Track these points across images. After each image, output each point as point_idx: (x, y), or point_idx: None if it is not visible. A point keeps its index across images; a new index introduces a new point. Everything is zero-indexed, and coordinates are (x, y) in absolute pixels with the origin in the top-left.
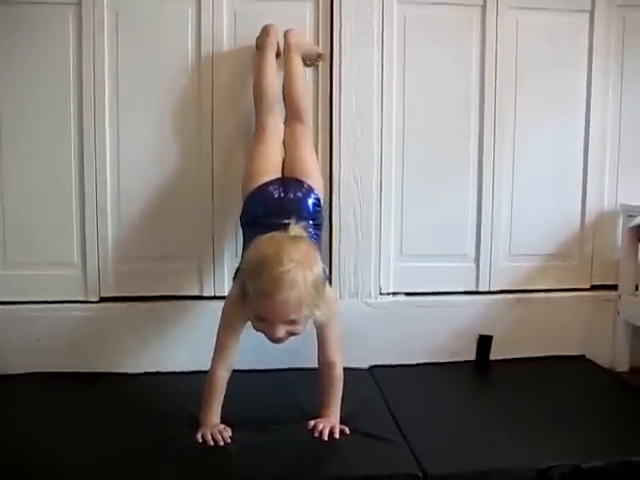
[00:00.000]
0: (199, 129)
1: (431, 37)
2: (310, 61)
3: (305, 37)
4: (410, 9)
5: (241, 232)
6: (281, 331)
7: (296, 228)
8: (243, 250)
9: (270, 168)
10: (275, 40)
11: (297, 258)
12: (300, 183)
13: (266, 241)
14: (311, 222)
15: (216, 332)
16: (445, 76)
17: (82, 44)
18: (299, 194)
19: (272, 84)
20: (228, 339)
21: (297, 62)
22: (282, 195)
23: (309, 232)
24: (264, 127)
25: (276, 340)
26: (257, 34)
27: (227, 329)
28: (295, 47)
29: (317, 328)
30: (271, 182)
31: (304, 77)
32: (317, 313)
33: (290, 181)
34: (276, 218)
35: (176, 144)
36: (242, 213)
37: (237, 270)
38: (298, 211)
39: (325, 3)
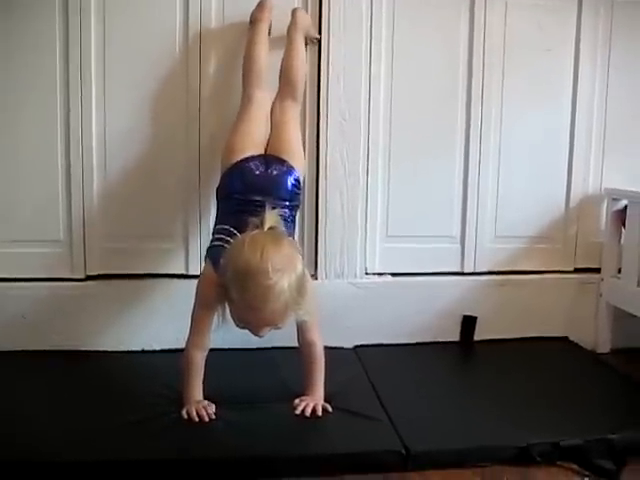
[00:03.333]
0: (186, 108)
1: (420, 21)
2: (305, 42)
3: (310, 19)
4: None
5: None
6: (265, 331)
7: (271, 216)
8: (216, 224)
9: (252, 144)
10: (269, 15)
11: (281, 266)
12: (282, 162)
13: (248, 246)
14: (287, 203)
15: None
16: (433, 60)
17: (69, 23)
18: (279, 172)
19: (262, 57)
20: (203, 319)
21: (300, 41)
22: (262, 171)
23: (284, 213)
24: (251, 99)
25: (260, 336)
26: (246, 12)
27: (202, 309)
28: (301, 26)
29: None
30: (252, 158)
31: (305, 56)
32: (300, 312)
33: (272, 159)
34: (253, 194)
35: (163, 123)
36: (219, 187)
37: (209, 248)
38: (276, 189)
39: None
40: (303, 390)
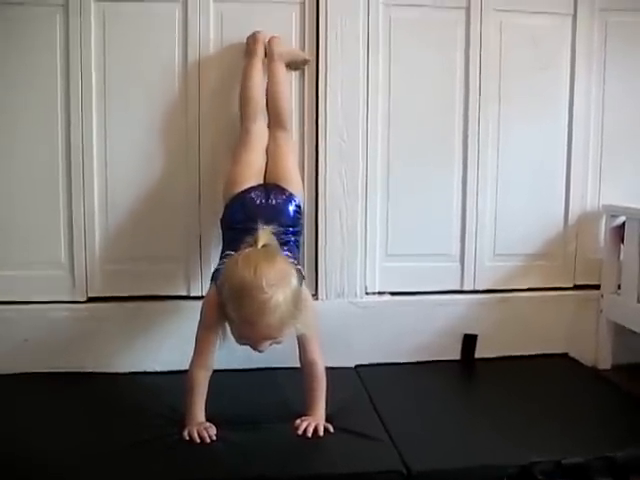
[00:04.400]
0: (186, 131)
1: (416, 39)
2: (295, 66)
3: (289, 44)
4: (395, 11)
5: None
6: (265, 346)
7: (264, 234)
8: (222, 253)
9: (252, 174)
10: (262, 47)
11: (275, 281)
12: (282, 190)
13: (241, 263)
14: (291, 229)
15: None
16: (430, 78)
17: (69, 45)
18: (280, 201)
19: (257, 91)
20: (207, 340)
21: (280, 70)
22: (263, 202)
23: (289, 239)
24: (249, 132)
25: (260, 351)
26: (244, 36)
27: (205, 330)
28: (278, 55)
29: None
30: (253, 188)
31: (288, 84)
32: (298, 326)
33: (272, 187)
34: (255, 224)
35: (163, 146)
36: (222, 217)
37: (214, 272)
38: (278, 218)
39: (311, 5)
40: (304, 410)
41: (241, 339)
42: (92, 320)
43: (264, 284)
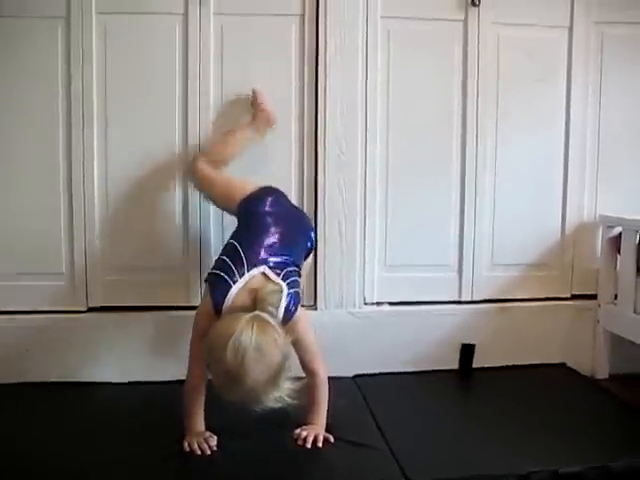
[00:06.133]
0: (186, 141)
1: (414, 51)
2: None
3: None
4: (394, 24)
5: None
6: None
7: (264, 295)
8: (222, 253)
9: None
10: None
11: (261, 378)
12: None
13: (231, 345)
14: (296, 268)
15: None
16: (428, 90)
17: (70, 57)
18: (300, 233)
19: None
20: (202, 351)
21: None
22: (290, 206)
23: (294, 281)
24: None
25: None
26: (245, 47)
27: (199, 340)
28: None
29: (293, 344)
30: (274, 193)
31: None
32: (274, 397)
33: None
34: (277, 227)
35: (164, 157)
36: (245, 206)
37: (209, 275)
38: (294, 251)
39: (310, 18)
40: (304, 419)
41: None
42: (92, 330)
43: (248, 381)
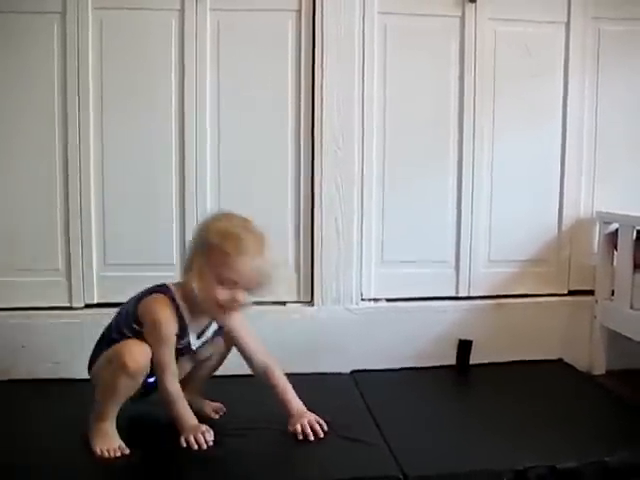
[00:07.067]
0: (181, 139)
1: (411, 47)
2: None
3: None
4: (391, 19)
5: None
6: (243, 297)
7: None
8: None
9: None
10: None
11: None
12: None
13: (224, 218)
14: None
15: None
16: (425, 86)
17: (66, 53)
18: None
19: None
20: (168, 353)
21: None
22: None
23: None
24: None
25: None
26: (242, 42)
27: (164, 347)
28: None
29: (234, 338)
30: None
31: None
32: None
33: None
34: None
35: (160, 155)
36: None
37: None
38: None
39: (307, 14)
40: (285, 409)
41: (226, 284)
42: (89, 326)
43: (267, 247)
